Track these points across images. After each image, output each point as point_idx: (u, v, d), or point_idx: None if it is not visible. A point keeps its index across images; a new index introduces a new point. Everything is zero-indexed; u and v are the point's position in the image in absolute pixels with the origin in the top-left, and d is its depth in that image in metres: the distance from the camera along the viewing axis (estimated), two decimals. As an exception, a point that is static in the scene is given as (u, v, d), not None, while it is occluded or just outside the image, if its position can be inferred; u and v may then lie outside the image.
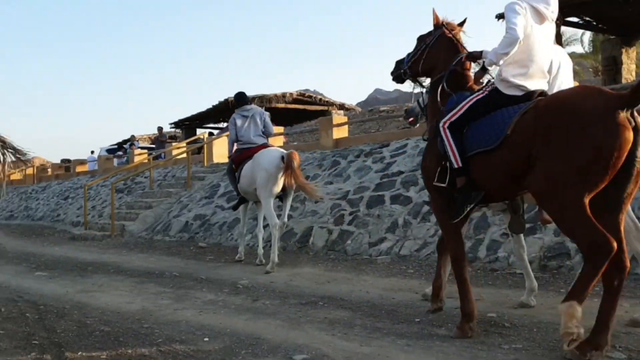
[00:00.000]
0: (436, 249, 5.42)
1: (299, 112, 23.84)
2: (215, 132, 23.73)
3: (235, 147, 8.37)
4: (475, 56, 4.48)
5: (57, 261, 9.40)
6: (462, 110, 4.21)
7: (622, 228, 3.61)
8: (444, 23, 4.80)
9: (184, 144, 18.32)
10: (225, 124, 24.51)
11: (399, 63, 5.13)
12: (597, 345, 3.38)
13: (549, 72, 4.35)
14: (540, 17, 4.10)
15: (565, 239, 6.49)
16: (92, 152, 27.16)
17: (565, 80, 4.63)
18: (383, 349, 3.88)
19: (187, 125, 26.38)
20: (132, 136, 24.87)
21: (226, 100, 20.57)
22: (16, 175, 25.87)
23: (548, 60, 4.27)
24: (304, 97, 22.76)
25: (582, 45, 30.10)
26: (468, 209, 4.18)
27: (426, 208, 8.07)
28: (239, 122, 8.16)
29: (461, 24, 4.85)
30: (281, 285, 6.38)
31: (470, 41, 4.77)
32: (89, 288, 6.74)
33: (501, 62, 4.08)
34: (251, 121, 8.15)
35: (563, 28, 17.63)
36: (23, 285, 7.07)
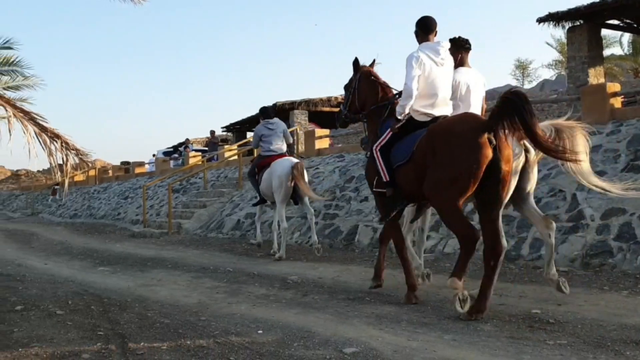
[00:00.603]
0: (378, 238, 6.37)
1: (343, 115, 23.89)
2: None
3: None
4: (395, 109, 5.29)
5: (118, 257, 9.62)
6: (389, 136, 5.21)
7: (498, 222, 4.55)
8: (361, 68, 5.89)
9: (235, 147, 18.51)
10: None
11: (339, 113, 6.29)
12: (479, 309, 4.45)
13: (459, 93, 5.31)
14: (437, 61, 5.06)
15: (607, 238, 6.36)
16: (154, 155, 27.73)
17: (475, 98, 5.42)
18: (430, 344, 3.84)
19: (238, 129, 26.62)
20: (187, 139, 25.26)
21: (274, 104, 20.67)
22: (79, 177, 26.58)
23: (448, 92, 5.18)
24: (349, 101, 22.80)
25: (621, 47, 29.33)
26: (395, 212, 5.31)
27: (470, 206, 7.95)
28: (264, 132, 9.02)
29: (372, 65, 5.94)
30: (329, 281, 6.37)
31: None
32: (149, 282, 6.87)
33: (407, 110, 5.06)
34: (275, 133, 9.01)
35: (604, 31, 17.19)
36: (88, 280, 7.26)
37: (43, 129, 3.69)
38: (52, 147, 3.79)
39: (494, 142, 4.33)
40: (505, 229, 7.15)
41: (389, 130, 5.23)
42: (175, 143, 30.34)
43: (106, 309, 5.30)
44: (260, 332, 4.29)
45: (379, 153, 5.24)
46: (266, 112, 9.36)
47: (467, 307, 4.47)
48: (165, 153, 27.58)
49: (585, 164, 4.64)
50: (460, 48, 5.43)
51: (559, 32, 31.88)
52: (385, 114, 5.47)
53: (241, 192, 13.68)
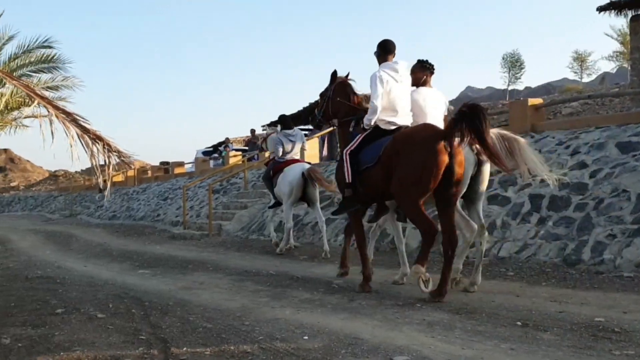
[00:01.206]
0: (343, 231, 7.53)
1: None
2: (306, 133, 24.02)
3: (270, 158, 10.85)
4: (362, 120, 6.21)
5: (158, 259, 9.80)
6: (358, 141, 6.14)
7: (453, 217, 5.57)
8: (338, 79, 6.81)
9: (276, 145, 18.60)
10: (315, 125, 24.74)
11: (313, 116, 7.26)
12: (441, 292, 5.43)
13: (421, 110, 6.16)
14: (396, 78, 6.00)
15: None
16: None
17: (435, 115, 6.21)
18: (486, 353, 3.79)
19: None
20: (227, 138, 25.52)
21: (316, 102, 20.77)
22: (118, 177, 27.15)
23: (408, 104, 6.11)
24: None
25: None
26: (348, 210, 6.39)
27: (526, 208, 7.82)
28: (284, 140, 10.05)
29: (347, 77, 6.87)
30: (376, 286, 6.34)
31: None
32: (190, 285, 6.97)
33: (372, 122, 6.01)
34: (295, 145, 10.18)
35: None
36: (128, 282, 7.41)
37: (85, 131, 3.77)
38: (95, 149, 3.87)
39: (449, 148, 5.25)
40: (565, 231, 7.03)
41: (358, 136, 6.19)
42: (215, 142, 30.71)
43: (147, 312, 5.40)
44: (306, 337, 4.30)
45: (348, 157, 6.17)
46: (286, 122, 10.39)
47: (430, 287, 5.51)
48: (205, 153, 27.93)
49: (534, 161, 5.71)
50: (425, 70, 6.32)
51: (621, 22, 31.05)
52: (352, 124, 6.48)
53: (283, 192, 13.74)
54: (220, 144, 27.95)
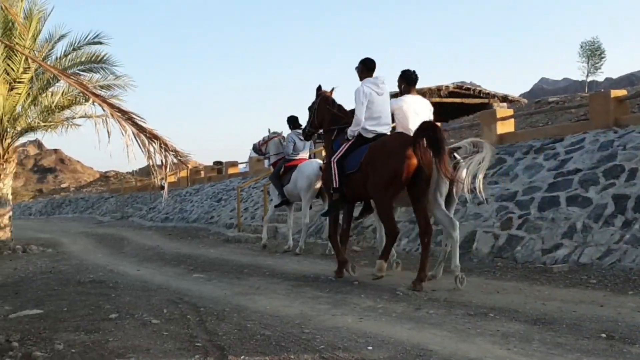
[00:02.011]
0: (339, 237, 7.96)
1: (455, 106, 23.33)
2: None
3: (276, 157, 11.76)
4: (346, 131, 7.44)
5: (213, 263, 9.95)
6: (344, 149, 7.30)
7: (427, 211, 6.61)
8: (322, 93, 8.11)
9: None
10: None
11: (304, 129, 8.75)
12: (420, 279, 6.49)
13: (406, 116, 7.07)
14: (378, 92, 7.22)
15: None
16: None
17: (420, 119, 6.79)
18: (568, 368, 3.68)
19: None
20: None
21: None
22: (170, 178, 27.69)
23: (388, 114, 7.29)
24: (461, 90, 22.23)
25: None
26: (334, 212, 7.74)
27: (609, 210, 7.58)
28: (296, 141, 11.09)
29: (331, 91, 8.14)
30: (444, 294, 6.26)
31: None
32: (247, 291, 7.04)
33: (356, 133, 7.23)
34: (305, 144, 11.19)
35: None
36: (182, 287, 7.54)
37: (141, 129, 3.85)
38: (151, 149, 3.95)
39: (418, 152, 6.24)
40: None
41: (344, 145, 7.33)
42: (270, 141, 30.90)
43: (203, 318, 5.47)
44: (370, 348, 4.27)
45: (335, 164, 7.31)
46: (296, 122, 11.32)
47: (382, 274, 6.93)
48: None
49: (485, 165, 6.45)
50: (406, 80, 7.30)
51: None
52: (335, 133, 7.68)
53: (342, 193, 13.74)
54: (274, 143, 28.10)
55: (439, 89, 21.45)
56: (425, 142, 6.21)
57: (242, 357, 4.16)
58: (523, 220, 8.46)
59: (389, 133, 7.44)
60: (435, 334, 4.66)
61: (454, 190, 6.83)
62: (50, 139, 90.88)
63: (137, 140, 3.85)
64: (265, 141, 12.21)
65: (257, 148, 12.41)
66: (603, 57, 67.24)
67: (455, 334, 4.62)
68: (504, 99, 23.16)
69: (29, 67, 13.41)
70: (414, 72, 7.32)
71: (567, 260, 7.36)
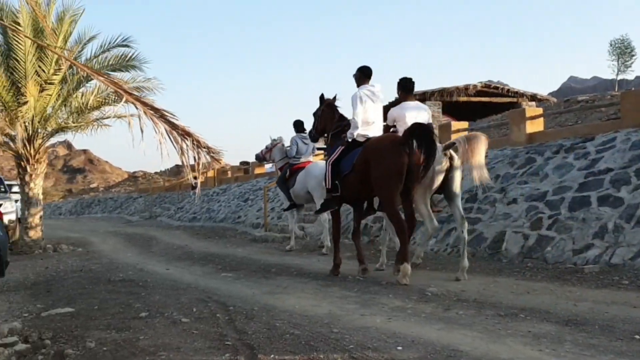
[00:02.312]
0: (351, 236, 9.05)
1: (483, 106, 23.12)
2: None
3: (282, 162, 12.11)
4: (346, 133, 7.91)
5: (240, 262, 10.00)
6: (338, 152, 7.81)
7: (412, 204, 7.24)
8: (325, 100, 8.62)
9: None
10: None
11: (310, 132, 9.20)
12: (404, 259, 7.00)
13: (406, 120, 7.55)
14: (372, 98, 7.71)
15: None
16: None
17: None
18: (602, 370, 3.63)
19: (364, 124, 26.76)
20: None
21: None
22: (200, 177, 27.82)
23: (380, 120, 7.88)
24: (489, 89, 22.00)
25: None
26: (327, 210, 8.33)
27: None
28: (300, 143, 11.49)
29: (334, 99, 8.59)
30: (474, 294, 6.22)
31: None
32: (275, 290, 7.07)
33: (354, 136, 7.65)
34: (309, 147, 11.63)
35: None
36: (211, 286, 7.59)
37: (174, 127, 3.88)
38: (184, 146, 3.98)
39: (408, 152, 6.87)
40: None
41: (338, 148, 7.86)
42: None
43: (232, 317, 5.50)
44: (399, 348, 4.26)
45: (330, 166, 7.84)
46: (301, 126, 11.73)
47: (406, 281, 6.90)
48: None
49: (481, 161, 7.02)
50: (403, 88, 7.99)
51: None
52: (336, 137, 8.19)
53: (369, 193, 13.72)
54: (302, 142, 28.15)
55: (466, 87, 21.24)
56: (415, 143, 6.83)
57: (272, 356, 4.17)
58: (553, 221, 8.37)
59: None
60: (465, 334, 4.63)
61: (453, 186, 7.30)
62: (79, 140, 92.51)
63: (169, 138, 3.89)
64: (269, 149, 12.52)
65: (260, 157, 12.77)
66: (634, 55, 66.16)
67: (486, 335, 4.58)
68: (533, 97, 22.88)
69: (60, 69, 13.58)
70: (410, 80, 8.02)
71: (598, 261, 7.27)
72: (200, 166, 4.37)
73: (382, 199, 7.42)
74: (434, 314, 5.42)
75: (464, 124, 15.24)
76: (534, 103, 21.91)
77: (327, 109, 8.54)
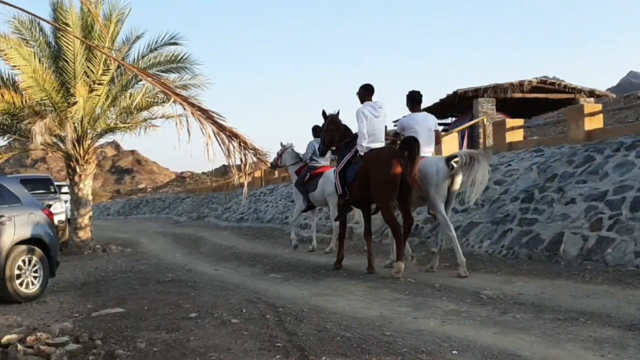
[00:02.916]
0: (363, 236, 9.64)
1: (538, 102, 22.64)
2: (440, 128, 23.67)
3: (296, 166, 12.50)
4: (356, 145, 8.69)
5: (289, 263, 10.05)
6: (344, 162, 8.79)
7: (410, 207, 8.20)
8: (329, 115, 9.49)
9: (411, 142, 18.44)
10: (453, 119, 24.26)
11: (319, 147, 10.16)
12: (399, 262, 7.83)
13: (414, 129, 8.42)
14: (375, 114, 8.54)
15: None
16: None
17: (424, 131, 8.42)
18: (670, 377, 3.52)
19: (413, 122, 26.52)
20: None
21: (455, 93, 20.30)
22: (243, 178, 28.06)
23: (382, 134, 8.68)
24: (544, 85, 21.51)
25: None
26: (343, 214, 9.33)
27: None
28: (316, 147, 11.46)
29: (337, 114, 9.53)
30: (531, 298, 6.11)
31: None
32: (324, 291, 7.08)
33: (364, 144, 8.43)
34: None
35: None
36: (259, 287, 7.65)
37: (221, 128, 3.91)
38: (231, 147, 4.01)
39: (403, 163, 7.83)
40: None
41: (345, 158, 8.82)
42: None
43: (282, 318, 5.53)
44: (454, 352, 4.21)
45: (338, 175, 8.84)
46: (318, 131, 11.66)
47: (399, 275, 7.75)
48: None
49: (485, 177, 7.83)
50: (410, 101, 8.80)
51: None
52: (342, 148, 9.12)
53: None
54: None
55: (521, 84, 20.76)
56: (406, 153, 7.81)
57: (323, 358, 4.18)
58: (614, 221, 8.15)
59: None
60: (523, 338, 4.55)
61: (450, 195, 8.16)
62: (127, 140, 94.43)
63: (217, 139, 3.92)
64: (280, 154, 12.78)
65: (273, 164, 13.14)
66: (699, 48, 63.98)
67: (545, 339, 4.50)
68: (591, 93, 22.28)
69: (108, 69, 13.87)
70: (418, 92, 8.82)
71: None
72: (247, 167, 4.39)
73: (379, 204, 8.37)
74: (489, 318, 5.34)
75: (519, 121, 15.00)
76: (592, 99, 21.35)
77: (332, 125, 9.40)
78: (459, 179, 8.02)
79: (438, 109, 23.25)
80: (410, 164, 7.70)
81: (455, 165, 7.87)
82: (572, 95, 21.32)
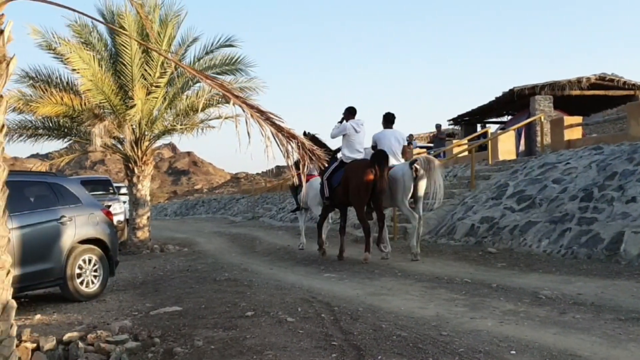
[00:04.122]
0: (339, 231, 11.12)
1: (596, 99, 22.08)
2: (494, 127, 23.36)
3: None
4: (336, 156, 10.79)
5: (343, 263, 10.07)
6: (331, 169, 10.46)
7: (382, 208, 10.00)
8: (310, 134, 11.03)
9: (465, 141, 18.28)
10: (509, 117, 23.88)
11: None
12: (367, 254, 9.91)
13: (383, 143, 10.34)
14: (356, 130, 10.40)
15: None
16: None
17: (394, 145, 10.43)
18: None
19: (467, 121, 26.22)
20: (410, 135, 25.54)
21: (511, 90, 19.95)
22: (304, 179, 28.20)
23: (362, 147, 10.53)
24: (603, 82, 20.96)
25: None
26: (326, 214, 11.70)
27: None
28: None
29: (315, 134, 11.20)
30: (591, 298, 5.99)
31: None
32: (379, 291, 7.07)
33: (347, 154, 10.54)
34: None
35: None
36: (314, 286, 7.68)
37: (279, 129, 3.93)
38: (289, 148, 4.04)
39: (375, 173, 9.57)
40: None
41: (332, 166, 10.48)
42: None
43: (337, 317, 5.55)
44: (513, 352, 4.16)
45: (325, 180, 10.67)
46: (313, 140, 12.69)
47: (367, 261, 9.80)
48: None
49: (439, 182, 9.81)
50: (384, 120, 10.66)
51: None
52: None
53: (474, 192, 13.47)
54: (403, 141, 27.97)
55: (579, 80, 20.25)
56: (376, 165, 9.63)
57: (379, 357, 4.18)
58: (679, 220, 7.90)
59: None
60: (583, 339, 4.46)
61: (418, 191, 9.89)
62: (184, 142, 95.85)
63: (275, 140, 3.95)
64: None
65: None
66: None
67: (606, 340, 4.41)
68: (653, 89, 21.65)
69: (165, 72, 14.11)
70: (392, 114, 10.68)
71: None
72: (306, 168, 4.41)
73: (355, 206, 10.24)
74: (548, 318, 5.26)
75: (577, 119, 14.69)
76: (653, 95, 20.73)
77: (313, 141, 10.31)
78: (423, 183, 9.86)
79: (494, 107, 22.92)
80: (380, 173, 9.62)
81: (418, 167, 9.75)
82: (632, 92, 20.73)
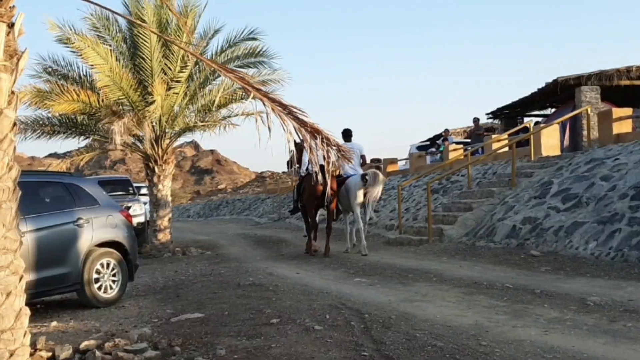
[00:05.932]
0: (325, 229, 13.19)
1: (648, 90, 21.70)
2: (538, 119, 23.03)
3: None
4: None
5: (374, 267, 10.00)
6: (300, 180, 13.87)
7: (332, 213, 13.11)
8: (298, 144, 10.58)
9: (506, 136, 18.06)
10: (552, 110, 23.54)
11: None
12: (326, 254, 12.68)
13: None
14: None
15: None
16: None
17: (355, 156, 12.34)
18: None
19: (507, 115, 25.90)
20: (445, 130, 25.36)
21: (555, 81, 19.65)
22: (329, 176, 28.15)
23: (358, 164, 12.94)
24: (654, 71, 20.57)
25: None
26: (295, 213, 16.69)
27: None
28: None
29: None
30: (643, 305, 5.85)
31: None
32: (413, 297, 7.00)
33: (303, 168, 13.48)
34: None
35: None
36: (344, 292, 7.63)
37: (302, 124, 3.89)
38: (313, 144, 3.99)
39: (323, 182, 11.53)
40: None
41: (301, 176, 13.34)
42: (432, 135, 30.66)
43: (368, 325, 5.50)
44: (558, 364, 4.06)
45: (295, 187, 13.75)
46: (347, 135, 13.63)
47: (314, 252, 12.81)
48: (420, 147, 27.98)
49: (378, 195, 12.52)
50: (345, 135, 13.05)
51: None
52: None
53: (515, 191, 13.28)
54: (438, 136, 27.83)
55: (628, 70, 19.84)
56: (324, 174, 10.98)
57: (413, 369, 4.11)
58: None
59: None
60: (636, 350, 4.37)
61: (367, 200, 12.34)
62: (207, 140, 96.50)
63: (298, 135, 3.90)
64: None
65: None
66: None
67: (661, 351, 4.28)
68: None
69: (186, 66, 14.15)
70: (349, 130, 13.15)
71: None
72: (330, 165, 4.36)
73: (309, 209, 12.92)
74: (597, 326, 5.17)
75: (627, 111, 14.40)
76: None
77: (297, 150, 12.73)
78: (370, 192, 12.13)
79: (536, 100, 22.62)
80: (324, 183, 11.49)
81: (368, 179, 12.06)
82: (686, 81, 20.31)
